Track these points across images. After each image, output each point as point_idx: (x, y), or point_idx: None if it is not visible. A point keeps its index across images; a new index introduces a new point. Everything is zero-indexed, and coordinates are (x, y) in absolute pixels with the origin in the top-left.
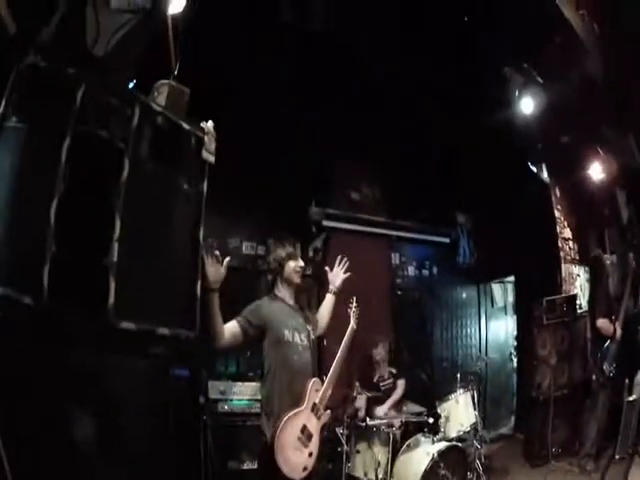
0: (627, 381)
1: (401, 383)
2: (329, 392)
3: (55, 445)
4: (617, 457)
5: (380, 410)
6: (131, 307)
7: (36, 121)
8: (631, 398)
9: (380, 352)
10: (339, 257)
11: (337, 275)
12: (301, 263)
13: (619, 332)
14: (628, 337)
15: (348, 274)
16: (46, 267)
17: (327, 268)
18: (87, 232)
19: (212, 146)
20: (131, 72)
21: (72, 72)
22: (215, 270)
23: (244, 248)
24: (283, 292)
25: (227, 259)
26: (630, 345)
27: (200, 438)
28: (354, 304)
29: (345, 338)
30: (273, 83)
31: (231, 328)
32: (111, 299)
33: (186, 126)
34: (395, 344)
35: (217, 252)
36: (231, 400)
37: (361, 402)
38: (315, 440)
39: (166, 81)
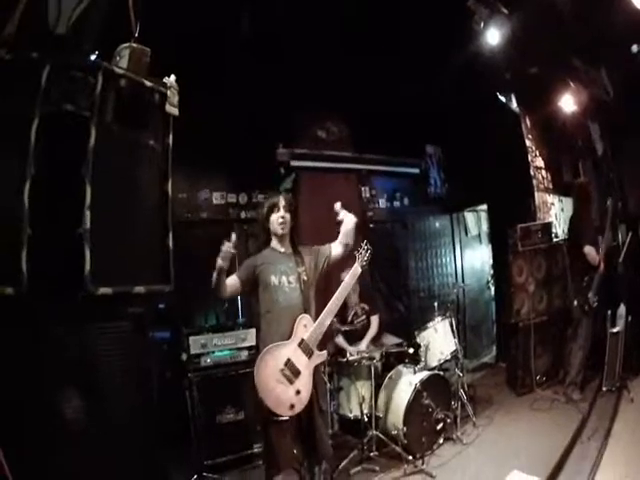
0: (609, 313)
1: (375, 319)
2: (321, 330)
3: (42, 418)
4: (604, 389)
5: (361, 346)
6: (107, 272)
7: (4, 110)
8: (615, 330)
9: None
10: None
11: (340, 212)
12: (282, 213)
13: (602, 263)
14: (608, 269)
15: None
16: (24, 253)
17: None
18: (60, 206)
19: (175, 99)
20: (93, 43)
21: (36, 56)
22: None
23: (214, 199)
24: (274, 242)
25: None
26: (610, 277)
27: (186, 396)
28: (364, 247)
29: (346, 278)
30: (235, 29)
31: (231, 281)
32: (87, 267)
33: (148, 83)
34: (367, 280)
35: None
36: (213, 352)
37: (340, 339)
38: (304, 378)
39: (127, 44)
